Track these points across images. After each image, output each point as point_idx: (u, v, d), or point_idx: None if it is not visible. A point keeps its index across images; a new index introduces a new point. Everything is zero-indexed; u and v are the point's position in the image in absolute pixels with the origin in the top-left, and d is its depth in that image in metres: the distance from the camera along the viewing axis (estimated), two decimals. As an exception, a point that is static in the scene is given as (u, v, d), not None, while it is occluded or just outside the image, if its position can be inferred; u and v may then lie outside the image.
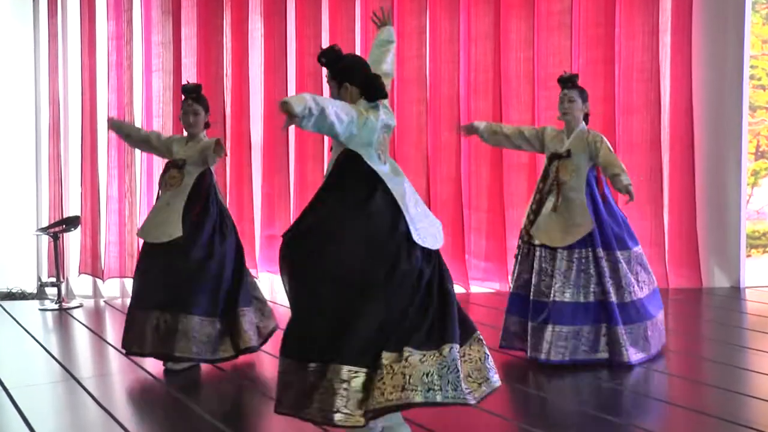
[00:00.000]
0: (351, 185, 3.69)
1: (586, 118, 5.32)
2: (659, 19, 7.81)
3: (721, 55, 7.88)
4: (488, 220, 8.05)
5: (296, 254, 3.65)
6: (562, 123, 5.33)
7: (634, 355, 5.09)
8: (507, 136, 5.44)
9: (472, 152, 8.05)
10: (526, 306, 5.23)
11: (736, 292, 7.79)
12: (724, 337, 6.04)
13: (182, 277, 5.06)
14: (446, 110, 8.00)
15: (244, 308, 5.22)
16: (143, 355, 5.14)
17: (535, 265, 5.19)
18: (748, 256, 8.13)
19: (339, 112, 3.52)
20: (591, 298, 5.08)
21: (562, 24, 7.84)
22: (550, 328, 5.05)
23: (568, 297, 5.06)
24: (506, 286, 7.80)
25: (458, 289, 7.80)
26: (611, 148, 5.18)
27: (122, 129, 5.61)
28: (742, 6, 7.81)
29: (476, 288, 8.03)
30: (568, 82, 5.27)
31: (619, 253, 5.14)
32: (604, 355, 5.10)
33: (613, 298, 5.07)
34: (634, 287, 5.14)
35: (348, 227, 3.59)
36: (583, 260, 5.10)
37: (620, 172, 5.03)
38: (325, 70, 3.96)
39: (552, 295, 5.08)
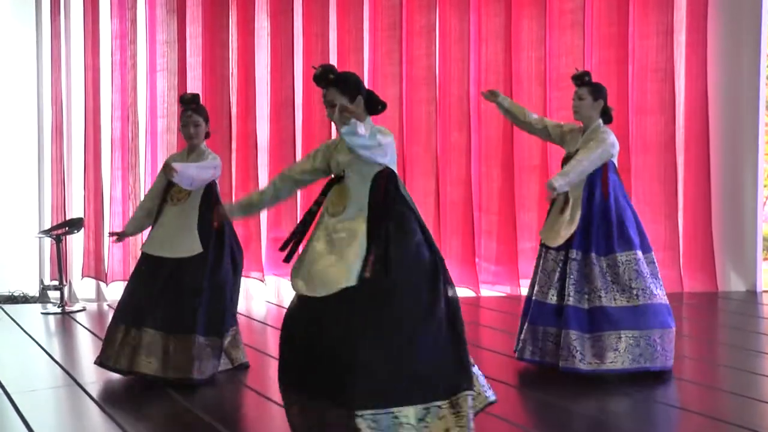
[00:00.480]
0: (401, 211, 3.59)
1: (606, 115, 5.14)
2: (674, 17, 7.72)
3: (736, 54, 7.80)
4: (499, 223, 7.96)
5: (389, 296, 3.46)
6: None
7: (586, 364, 4.83)
8: (529, 125, 5.31)
9: (482, 153, 7.98)
10: None
11: (752, 296, 7.71)
12: (740, 343, 6.00)
13: (220, 297, 4.95)
14: (456, 111, 7.93)
15: (237, 324, 5.25)
16: (156, 379, 4.91)
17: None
18: (765, 259, 8.06)
19: (381, 136, 3.51)
20: (563, 302, 4.94)
21: (575, 23, 7.77)
22: (526, 326, 5.06)
23: (549, 298, 4.99)
24: (517, 289, 7.72)
25: (468, 292, 7.76)
26: (597, 148, 4.91)
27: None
28: (758, 3, 7.73)
29: (486, 291, 7.96)
30: (577, 79, 5.16)
31: (595, 257, 4.92)
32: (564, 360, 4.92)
33: (572, 301, 4.90)
34: (605, 294, 4.89)
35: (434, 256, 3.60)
36: (560, 261, 5.00)
37: (564, 170, 4.87)
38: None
39: (534, 294, 5.08)
